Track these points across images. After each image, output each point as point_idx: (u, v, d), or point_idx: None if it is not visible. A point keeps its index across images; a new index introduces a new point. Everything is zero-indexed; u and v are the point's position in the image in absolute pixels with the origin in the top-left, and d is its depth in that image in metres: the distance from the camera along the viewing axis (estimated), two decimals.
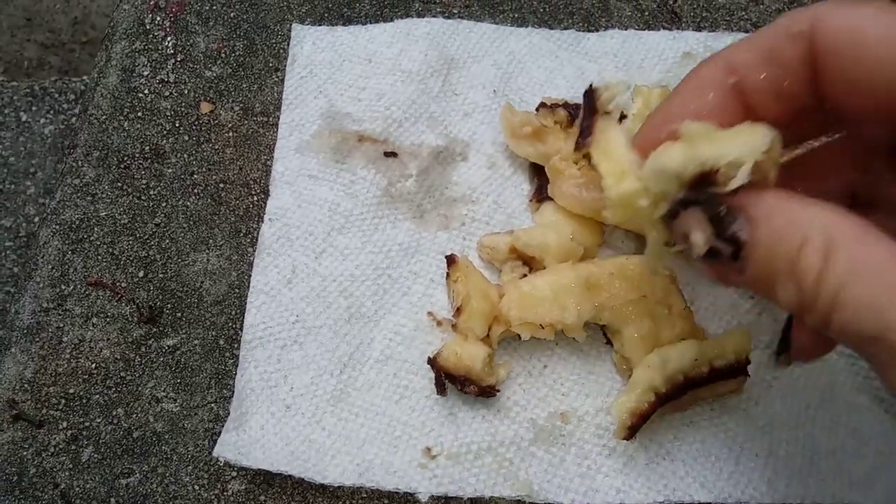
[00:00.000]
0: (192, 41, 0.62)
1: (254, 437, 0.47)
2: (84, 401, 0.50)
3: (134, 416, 0.49)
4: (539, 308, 0.46)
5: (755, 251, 0.28)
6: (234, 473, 0.48)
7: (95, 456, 0.48)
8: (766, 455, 0.47)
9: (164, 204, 0.56)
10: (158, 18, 0.63)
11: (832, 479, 0.47)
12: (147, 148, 0.58)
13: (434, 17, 0.62)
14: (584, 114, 0.39)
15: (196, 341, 0.52)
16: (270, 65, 0.62)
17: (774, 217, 0.28)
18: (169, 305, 0.53)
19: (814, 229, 0.27)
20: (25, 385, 0.50)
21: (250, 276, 0.52)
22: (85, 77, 0.75)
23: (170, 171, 0.57)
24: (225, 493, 0.47)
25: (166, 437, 0.49)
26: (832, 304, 0.27)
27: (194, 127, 0.59)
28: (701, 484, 0.46)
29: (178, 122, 0.59)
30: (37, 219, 0.69)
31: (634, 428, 0.44)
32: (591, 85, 0.39)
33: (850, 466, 0.47)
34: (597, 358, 0.50)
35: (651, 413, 0.44)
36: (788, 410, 0.49)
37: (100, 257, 0.54)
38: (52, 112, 0.79)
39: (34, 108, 0.78)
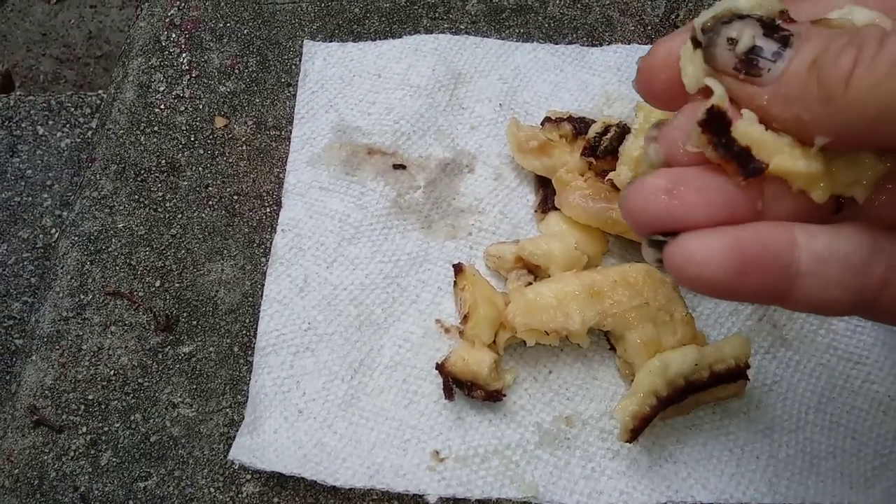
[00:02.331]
0: (206, 57, 0.64)
1: (267, 441, 0.48)
2: (103, 406, 0.51)
3: (151, 421, 0.51)
4: (544, 315, 0.48)
5: (805, 44, 0.26)
6: (249, 476, 0.49)
7: (114, 460, 0.50)
8: (767, 457, 0.49)
9: (179, 216, 0.58)
10: (174, 35, 0.65)
11: (831, 481, 0.48)
12: (163, 161, 0.60)
13: (442, 33, 0.64)
14: None
15: (211, 348, 0.53)
16: (282, 80, 0.63)
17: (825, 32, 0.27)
18: (185, 314, 0.54)
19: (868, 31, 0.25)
20: (46, 391, 0.52)
21: (263, 285, 0.54)
22: (100, 91, 0.77)
23: (185, 183, 0.59)
24: (239, 496, 0.49)
25: (183, 441, 0.50)
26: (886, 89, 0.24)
27: (209, 141, 0.61)
28: (703, 485, 0.48)
29: (193, 136, 0.61)
30: (53, 230, 0.71)
31: (637, 430, 0.45)
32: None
33: (849, 468, 0.49)
34: (600, 363, 0.51)
35: (653, 416, 0.45)
36: (788, 413, 0.50)
37: (117, 268, 0.56)
38: (68, 126, 0.81)
39: (51, 122, 0.79)
